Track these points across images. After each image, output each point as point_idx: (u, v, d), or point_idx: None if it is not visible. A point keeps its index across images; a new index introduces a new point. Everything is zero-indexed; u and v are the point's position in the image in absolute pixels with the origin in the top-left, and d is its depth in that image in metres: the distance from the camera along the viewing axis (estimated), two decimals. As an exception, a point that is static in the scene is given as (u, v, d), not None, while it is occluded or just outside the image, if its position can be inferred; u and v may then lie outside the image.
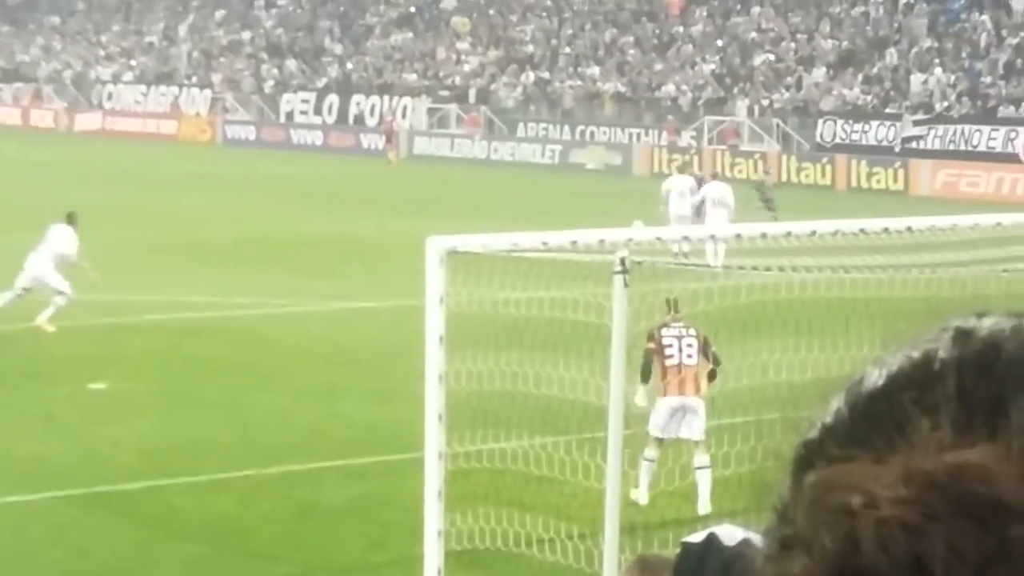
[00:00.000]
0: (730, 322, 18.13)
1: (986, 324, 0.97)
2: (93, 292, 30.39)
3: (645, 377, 18.04)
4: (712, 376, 18.36)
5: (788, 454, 1.00)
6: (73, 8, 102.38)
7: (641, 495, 17.55)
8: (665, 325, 18.19)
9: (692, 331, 18.15)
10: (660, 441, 17.90)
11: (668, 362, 17.99)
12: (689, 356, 17.96)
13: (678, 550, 3.46)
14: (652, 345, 17.99)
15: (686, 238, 18.76)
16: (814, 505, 0.91)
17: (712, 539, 3.21)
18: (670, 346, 18.00)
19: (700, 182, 39.97)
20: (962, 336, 0.96)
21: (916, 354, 0.96)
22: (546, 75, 75.64)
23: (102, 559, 16.44)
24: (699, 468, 17.85)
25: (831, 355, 18.01)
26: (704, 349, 18.17)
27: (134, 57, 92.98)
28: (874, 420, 0.94)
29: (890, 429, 0.92)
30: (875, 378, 0.97)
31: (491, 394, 15.64)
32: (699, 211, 37.01)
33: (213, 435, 21.24)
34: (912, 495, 0.87)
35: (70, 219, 29.06)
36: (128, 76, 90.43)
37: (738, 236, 17.40)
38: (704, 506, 17.54)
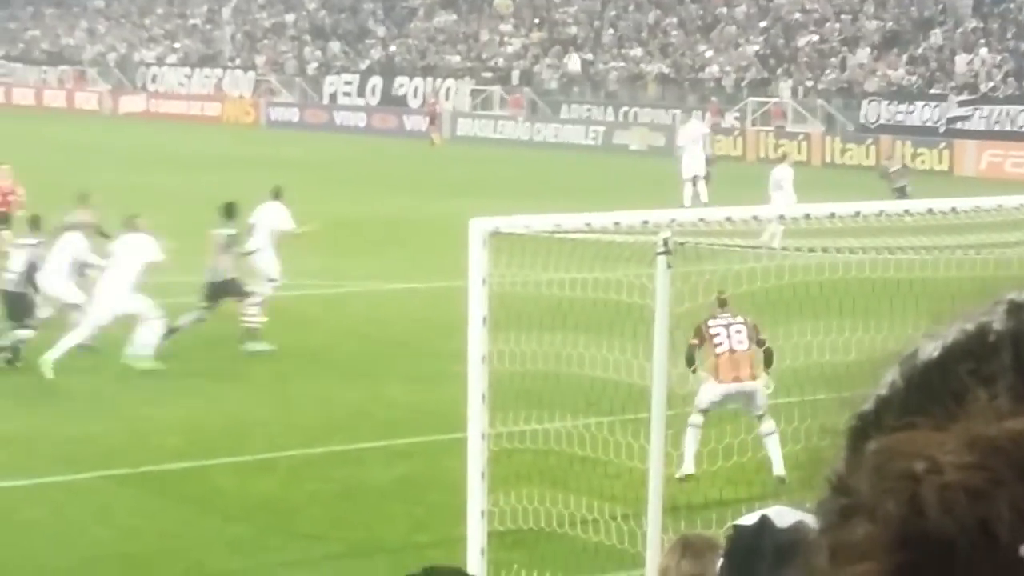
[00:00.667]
0: (774, 303, 18.07)
1: None
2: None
3: (691, 363, 18.10)
4: (769, 361, 18.39)
5: (841, 429, 1.00)
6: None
7: (688, 464, 17.54)
8: (712, 316, 18.20)
9: (740, 318, 18.16)
10: (706, 412, 17.93)
11: (719, 350, 17.99)
12: (740, 342, 17.96)
13: (727, 531, 3.40)
14: (695, 341, 18.03)
15: (729, 218, 18.70)
16: (877, 472, 0.92)
17: (765, 521, 3.19)
18: (718, 335, 18.00)
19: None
20: (1016, 309, 0.97)
21: (971, 327, 0.97)
22: (589, 56, 75.54)
23: (147, 538, 16.50)
24: (767, 435, 17.88)
25: (875, 335, 17.98)
26: (753, 335, 18.21)
27: (178, 39, 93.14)
28: (931, 390, 0.95)
29: (948, 399, 0.93)
30: (930, 350, 0.98)
31: (534, 375, 15.62)
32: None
33: (257, 416, 21.30)
34: (976, 460, 0.88)
35: (277, 194, 28.20)
36: (172, 58, 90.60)
37: (781, 217, 17.34)
38: (779, 468, 17.56)
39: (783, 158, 41.33)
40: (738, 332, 17.97)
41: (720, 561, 3.42)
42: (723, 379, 17.93)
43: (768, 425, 17.87)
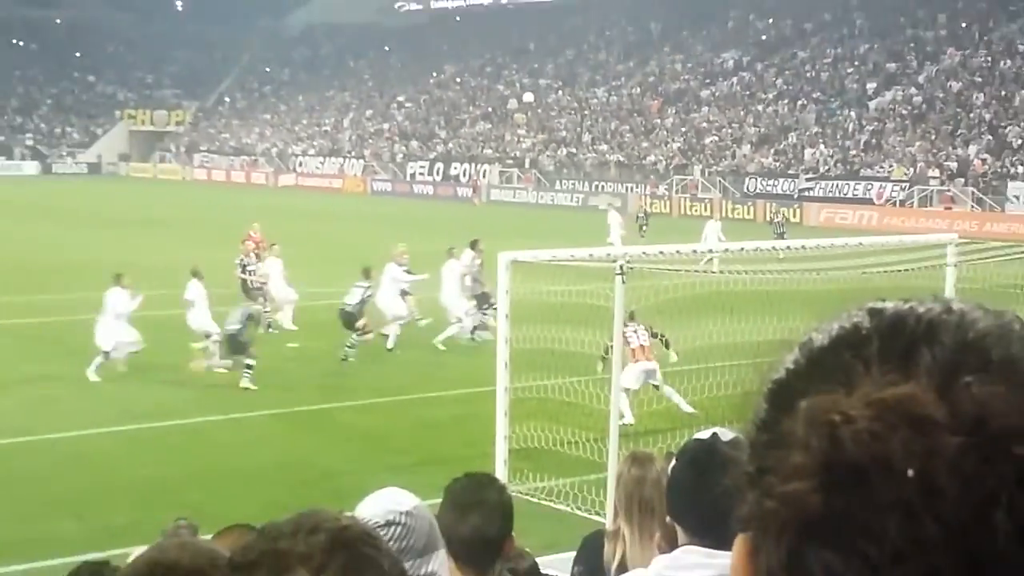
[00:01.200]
0: (688, 305, 18.04)
1: (889, 305, 0.98)
2: (295, 284, 30.49)
3: (604, 359, 18.30)
4: (667, 344, 18.34)
5: (759, 391, 1.00)
6: (277, 108, 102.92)
7: (627, 417, 17.48)
8: (625, 325, 18.20)
9: (641, 325, 18.05)
10: (633, 391, 17.88)
11: (631, 346, 17.98)
12: (642, 338, 17.89)
13: (688, 442, 3.26)
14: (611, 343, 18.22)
15: (660, 252, 18.62)
16: (808, 421, 0.91)
17: (716, 435, 3.11)
18: (630, 337, 18.01)
19: None
20: (876, 313, 0.97)
21: (847, 324, 0.97)
22: (573, 150, 75.62)
23: (296, 454, 16.51)
24: (670, 393, 17.86)
25: (753, 327, 17.95)
26: (648, 332, 18.13)
27: (315, 139, 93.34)
28: (825, 367, 0.95)
29: (839, 373, 0.93)
30: (821, 339, 0.97)
31: (538, 351, 15.64)
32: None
33: (364, 375, 21.32)
34: (874, 414, 0.89)
35: (473, 245, 26.21)
36: (311, 151, 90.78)
37: (693, 252, 17.37)
38: (686, 407, 17.52)
39: (710, 216, 42.21)
40: (640, 333, 17.90)
41: (673, 463, 3.27)
42: (638, 360, 17.89)
43: (667, 388, 17.87)
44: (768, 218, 45.02)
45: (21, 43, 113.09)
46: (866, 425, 0.89)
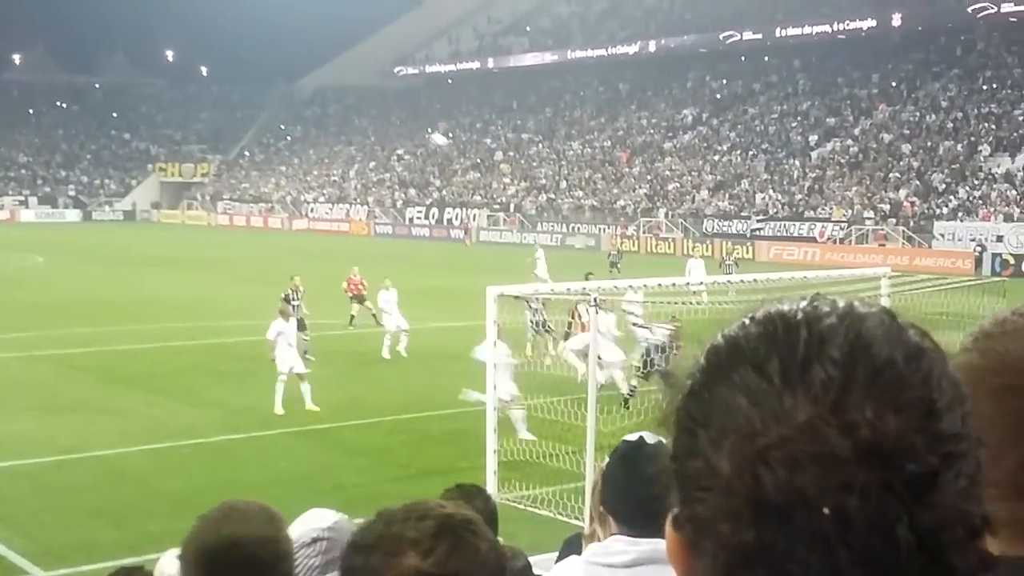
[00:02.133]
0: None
1: (782, 310, 0.97)
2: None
3: (567, 336, 19.59)
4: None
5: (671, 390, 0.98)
6: (291, 161, 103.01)
7: (580, 370, 17.52)
8: (577, 305, 19.00)
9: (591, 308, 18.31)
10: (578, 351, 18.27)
11: (582, 319, 18.71)
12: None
13: (618, 444, 3.24)
14: (572, 319, 19.77)
15: (630, 286, 18.68)
16: (731, 461, 0.90)
17: (642, 437, 3.16)
18: (583, 315, 18.62)
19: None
20: (770, 323, 0.95)
21: (748, 335, 0.95)
22: (552, 196, 75.70)
23: (309, 466, 16.45)
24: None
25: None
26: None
27: (325, 188, 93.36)
28: (733, 384, 0.92)
29: (746, 392, 0.91)
30: (724, 351, 0.96)
31: (522, 374, 15.64)
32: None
33: (368, 396, 21.26)
34: (786, 455, 0.88)
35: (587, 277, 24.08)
36: (321, 199, 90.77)
37: (658, 285, 17.37)
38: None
39: (692, 254, 42.07)
40: (590, 312, 18.21)
41: (606, 461, 3.28)
42: (585, 331, 18.22)
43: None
44: (723, 256, 44.87)
45: (64, 105, 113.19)
46: (782, 466, 0.87)
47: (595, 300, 13.69)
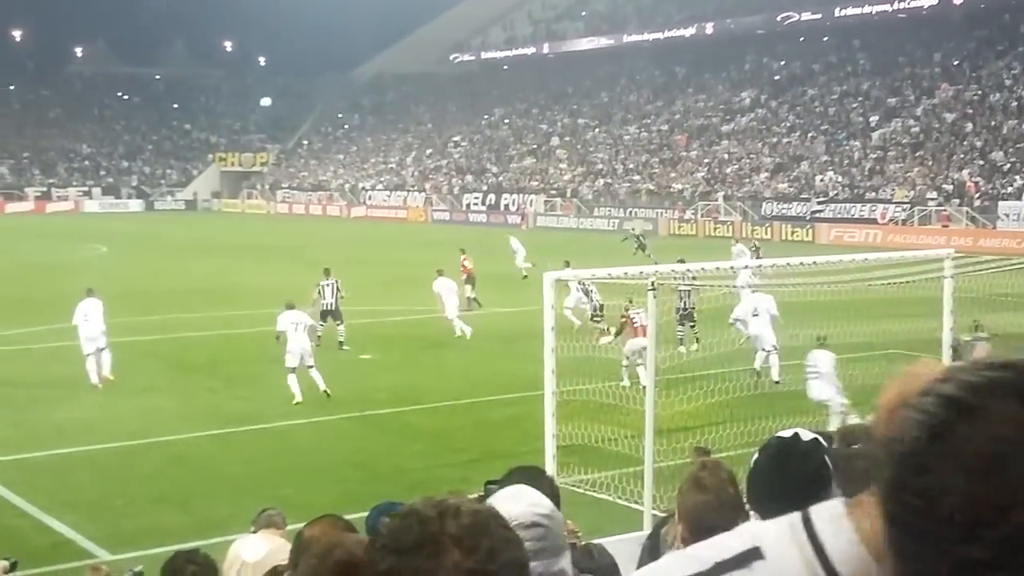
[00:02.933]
0: (709, 316, 17.95)
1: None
2: (364, 304, 30.59)
3: (617, 334, 19.70)
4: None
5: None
6: (349, 149, 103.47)
7: (625, 380, 18.38)
8: (629, 309, 19.24)
9: (642, 310, 18.17)
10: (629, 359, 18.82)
11: (635, 324, 18.87)
12: (644, 319, 18.07)
13: (770, 439, 3.15)
14: (623, 319, 19.43)
15: (688, 270, 18.55)
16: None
17: (797, 435, 3.04)
18: (635, 317, 18.85)
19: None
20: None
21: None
22: (609, 180, 75.47)
23: (368, 451, 16.59)
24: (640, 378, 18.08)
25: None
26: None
27: (382, 176, 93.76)
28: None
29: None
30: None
31: (580, 358, 15.61)
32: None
33: (428, 382, 21.35)
34: None
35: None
36: (379, 186, 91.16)
37: (716, 269, 17.18)
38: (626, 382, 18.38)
39: (739, 240, 41.32)
40: (643, 315, 18.10)
41: (755, 456, 3.19)
42: (638, 336, 18.43)
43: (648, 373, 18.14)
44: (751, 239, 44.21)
45: (126, 96, 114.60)
46: None
47: (652, 284, 13.60)
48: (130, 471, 15.52)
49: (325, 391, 19.74)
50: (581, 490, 13.65)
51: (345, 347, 24.79)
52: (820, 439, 3.03)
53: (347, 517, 4.38)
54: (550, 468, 13.65)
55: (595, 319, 24.05)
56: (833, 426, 16.10)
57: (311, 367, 20.05)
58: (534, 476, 4.14)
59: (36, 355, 24.39)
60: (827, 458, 3.00)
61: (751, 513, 3.16)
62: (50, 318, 28.49)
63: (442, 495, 1.70)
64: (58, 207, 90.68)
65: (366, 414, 18.83)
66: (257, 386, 21.08)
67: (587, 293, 24.73)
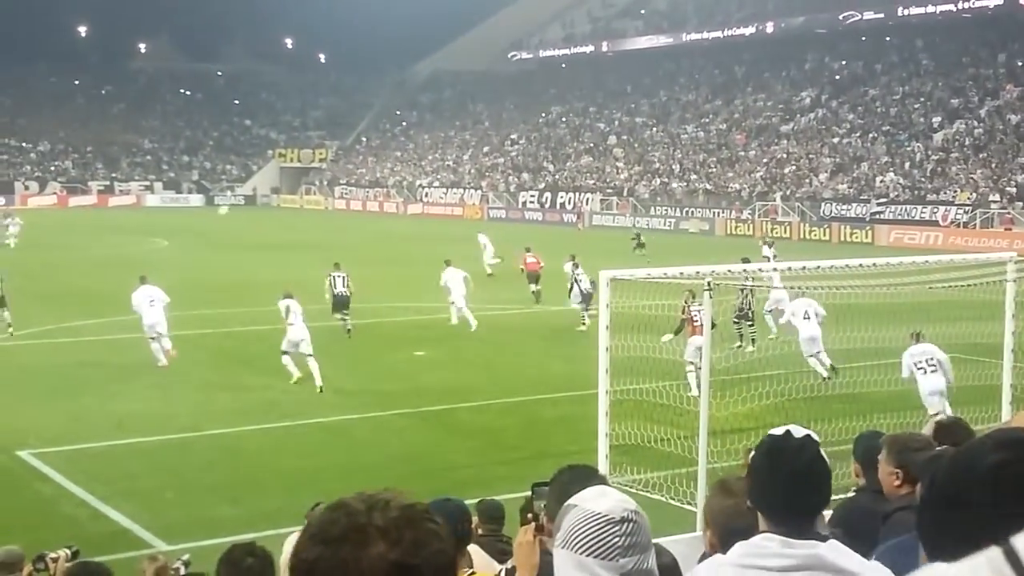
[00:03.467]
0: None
1: None
2: (417, 301, 30.68)
3: (677, 331, 18.78)
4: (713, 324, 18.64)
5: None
6: (406, 146, 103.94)
7: (692, 391, 17.41)
8: (690, 305, 18.58)
9: (702, 307, 17.98)
10: (694, 363, 17.85)
11: (696, 323, 18.15)
12: (702, 319, 17.92)
13: (764, 438, 3.11)
14: (684, 316, 18.73)
15: (744, 270, 18.38)
16: None
17: (789, 431, 3.03)
18: (696, 315, 18.12)
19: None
20: None
21: None
22: (666, 180, 75.14)
23: (421, 447, 16.62)
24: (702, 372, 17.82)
25: (827, 336, 17.63)
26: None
27: (439, 173, 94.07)
28: None
29: None
30: None
31: (633, 357, 15.52)
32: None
33: (481, 379, 21.37)
34: None
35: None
36: (436, 183, 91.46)
37: (773, 270, 17.03)
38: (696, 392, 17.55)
39: (772, 240, 40.61)
40: (702, 314, 17.89)
41: (752, 454, 3.18)
42: (696, 335, 17.96)
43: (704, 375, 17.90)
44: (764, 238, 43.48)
45: (188, 93, 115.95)
46: None
47: (708, 284, 13.49)
48: (185, 463, 15.68)
49: (319, 387, 20.11)
50: (634, 490, 13.54)
51: (349, 330, 26.04)
52: (812, 436, 3.00)
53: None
54: (602, 467, 13.60)
55: (584, 309, 25.43)
56: (932, 422, 15.89)
57: (309, 355, 20.77)
58: (586, 475, 4.09)
59: (95, 348, 24.71)
60: (822, 454, 3.00)
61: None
62: (110, 311, 28.88)
63: (378, 490, 1.72)
64: (120, 201, 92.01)
65: (419, 410, 18.86)
66: (310, 381, 21.22)
67: (578, 281, 26.66)
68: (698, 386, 17.61)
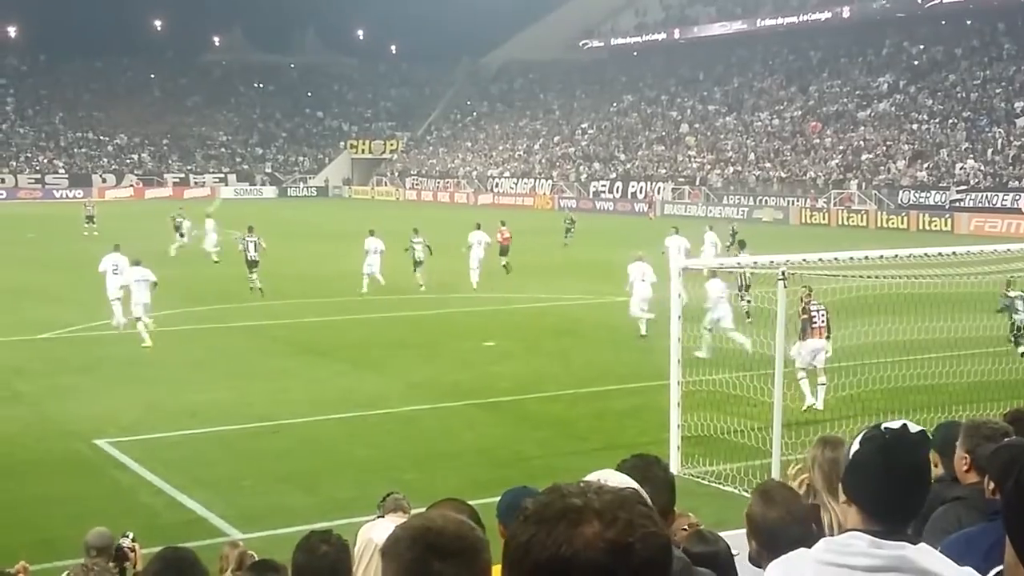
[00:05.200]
0: (843, 307, 17.55)
1: None
2: (487, 291, 30.79)
3: (802, 335, 17.64)
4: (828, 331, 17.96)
5: None
6: (477, 136, 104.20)
7: (808, 399, 17.17)
8: (809, 303, 17.73)
9: (823, 307, 17.72)
10: (806, 369, 17.48)
11: (815, 324, 17.60)
12: (823, 320, 17.57)
13: (874, 429, 3.00)
14: (804, 316, 17.65)
15: (820, 259, 18.18)
16: None
17: (906, 426, 2.93)
18: (815, 315, 17.63)
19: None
20: None
21: None
22: (739, 168, 74.52)
23: (492, 437, 16.68)
24: (821, 384, 17.45)
25: (904, 326, 17.43)
26: (827, 314, 17.77)
27: (510, 164, 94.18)
28: None
29: None
30: None
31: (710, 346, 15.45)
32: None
33: (551, 370, 21.37)
34: None
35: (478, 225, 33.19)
36: (507, 173, 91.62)
37: (849, 259, 16.75)
38: (820, 404, 17.13)
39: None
40: (822, 314, 17.63)
41: (856, 446, 3.04)
42: (813, 338, 17.52)
43: (823, 378, 17.45)
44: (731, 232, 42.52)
45: (261, 85, 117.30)
46: None
47: (782, 274, 13.38)
48: (259, 452, 15.90)
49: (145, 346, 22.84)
50: (706, 482, 13.50)
51: (260, 289, 30.38)
52: (927, 433, 2.93)
53: (470, 503, 4.40)
54: (674, 458, 13.58)
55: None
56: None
57: (139, 319, 23.65)
58: (650, 463, 4.11)
59: (171, 337, 25.14)
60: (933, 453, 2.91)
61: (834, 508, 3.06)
62: (185, 302, 29.37)
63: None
64: (195, 193, 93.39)
65: (490, 401, 18.92)
66: (384, 371, 21.40)
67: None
68: (813, 394, 17.30)
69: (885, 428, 2.98)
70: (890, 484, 2.90)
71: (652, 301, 23.78)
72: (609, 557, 1.61)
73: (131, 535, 7.44)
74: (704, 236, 34.84)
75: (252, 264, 31.80)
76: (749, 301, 22.79)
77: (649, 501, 1.76)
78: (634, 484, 2.69)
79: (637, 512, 1.67)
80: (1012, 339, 20.66)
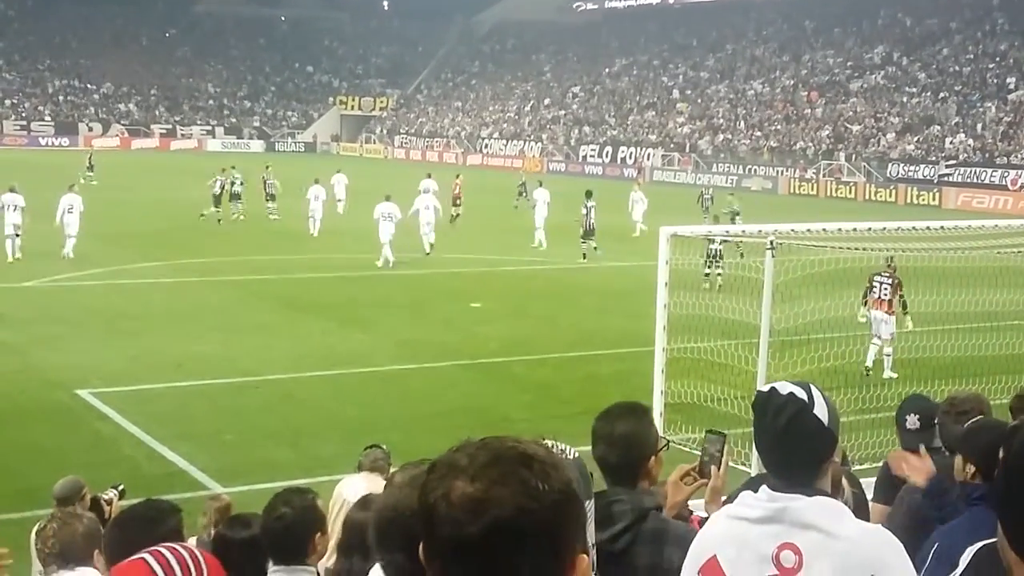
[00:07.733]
0: (829, 279, 17.51)
1: None
2: (475, 253, 30.74)
3: (864, 301, 18.62)
4: (904, 306, 18.43)
5: None
6: (467, 96, 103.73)
7: (869, 361, 18.12)
8: (878, 273, 18.42)
9: (891, 278, 18.01)
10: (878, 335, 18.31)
11: (873, 294, 18.30)
12: (885, 291, 18.11)
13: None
14: (868, 284, 18.52)
15: (808, 229, 18.17)
16: None
17: (774, 388, 3.01)
18: (876, 287, 18.28)
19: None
20: None
21: None
22: (729, 136, 74.41)
23: (477, 398, 16.69)
24: (886, 355, 18.10)
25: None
26: (896, 289, 18.20)
27: (499, 125, 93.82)
28: None
29: None
30: None
31: (691, 315, 15.45)
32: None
33: (538, 333, 21.37)
34: None
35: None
36: (496, 135, 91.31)
37: (838, 230, 16.73)
38: (887, 373, 17.88)
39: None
40: (885, 287, 18.18)
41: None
42: (876, 309, 18.24)
43: (888, 349, 18.14)
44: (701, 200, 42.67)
45: (251, 38, 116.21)
46: None
47: (771, 243, 13.35)
48: (243, 407, 15.88)
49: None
50: (687, 448, 13.54)
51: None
52: (796, 393, 2.96)
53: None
54: (658, 424, 13.57)
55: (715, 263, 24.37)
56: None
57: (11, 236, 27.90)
58: (636, 411, 4.18)
59: (156, 289, 25.06)
60: (810, 411, 2.95)
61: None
62: (171, 254, 29.24)
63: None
64: (182, 145, 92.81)
65: (476, 362, 18.93)
66: (370, 329, 21.38)
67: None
68: (872, 357, 17.94)
69: (757, 391, 3.12)
70: (761, 441, 3.01)
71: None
72: (462, 512, 1.62)
73: (120, 487, 7.40)
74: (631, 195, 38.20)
75: (271, 197, 40.48)
76: (720, 274, 22.89)
77: (567, 470, 1.72)
78: (575, 453, 2.73)
79: (510, 473, 1.65)
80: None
